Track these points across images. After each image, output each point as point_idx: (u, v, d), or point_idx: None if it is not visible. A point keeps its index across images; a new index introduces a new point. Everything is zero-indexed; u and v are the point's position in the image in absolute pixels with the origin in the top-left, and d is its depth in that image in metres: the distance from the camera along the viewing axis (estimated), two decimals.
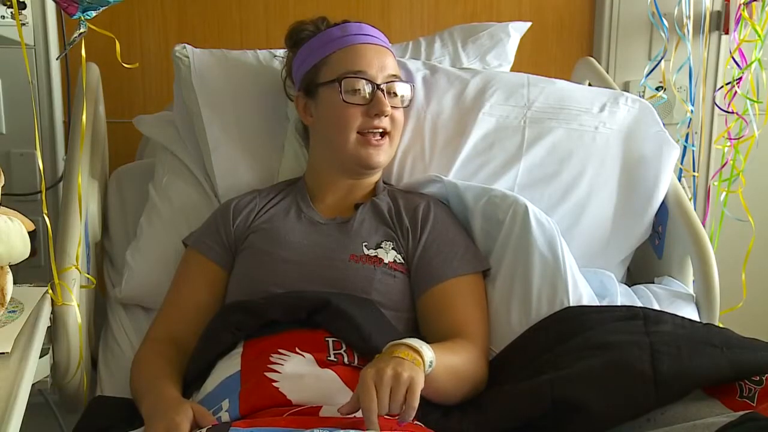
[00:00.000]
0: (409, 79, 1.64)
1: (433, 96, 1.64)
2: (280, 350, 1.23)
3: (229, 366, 1.25)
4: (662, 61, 2.10)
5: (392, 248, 1.42)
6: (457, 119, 1.62)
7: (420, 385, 1.10)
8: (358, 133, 1.45)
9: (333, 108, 1.46)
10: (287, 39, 1.58)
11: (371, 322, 1.27)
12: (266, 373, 1.19)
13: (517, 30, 1.86)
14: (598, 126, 1.64)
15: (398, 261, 1.41)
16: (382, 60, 1.48)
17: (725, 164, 2.19)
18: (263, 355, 1.23)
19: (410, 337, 1.32)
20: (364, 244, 1.41)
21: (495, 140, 1.62)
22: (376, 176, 1.54)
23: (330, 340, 1.25)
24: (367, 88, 1.45)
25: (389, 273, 1.39)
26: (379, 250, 1.42)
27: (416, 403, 1.08)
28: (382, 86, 1.45)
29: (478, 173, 1.60)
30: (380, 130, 1.46)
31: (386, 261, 1.40)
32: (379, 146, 1.46)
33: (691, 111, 2.14)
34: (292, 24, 1.58)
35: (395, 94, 1.49)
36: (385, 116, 1.45)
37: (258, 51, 1.74)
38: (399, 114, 1.50)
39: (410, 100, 1.54)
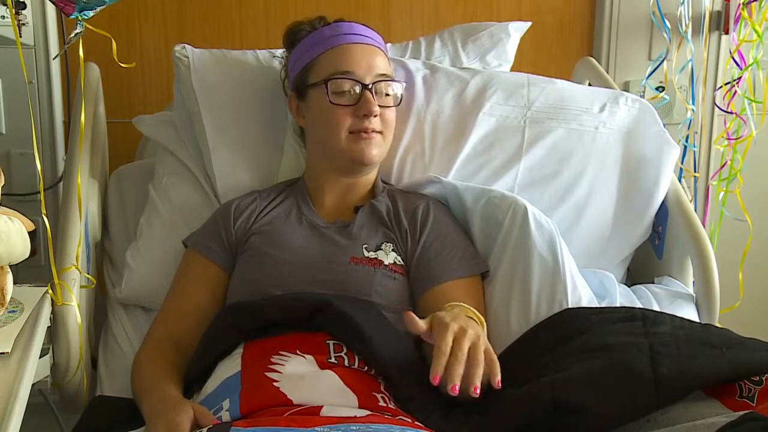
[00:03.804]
0: (408, 78, 1.63)
1: (433, 96, 1.63)
2: (281, 351, 1.23)
3: (230, 366, 1.25)
4: (664, 61, 2.10)
5: (392, 249, 1.42)
6: (457, 119, 1.62)
7: (490, 346, 1.16)
8: (349, 132, 1.44)
9: (322, 110, 1.45)
10: (284, 39, 1.57)
11: (372, 324, 1.27)
12: (267, 373, 1.19)
13: (517, 30, 1.86)
14: (598, 126, 1.64)
15: (398, 263, 1.41)
16: (371, 59, 1.46)
17: (725, 164, 2.20)
18: (264, 356, 1.23)
19: (410, 338, 1.33)
20: (364, 246, 1.41)
21: (495, 140, 1.62)
22: (372, 175, 1.54)
23: (331, 342, 1.25)
24: (356, 89, 1.44)
25: (389, 275, 1.39)
26: (379, 252, 1.41)
27: (496, 357, 1.14)
28: (370, 86, 1.44)
29: (477, 174, 1.60)
30: (370, 130, 1.45)
31: (386, 263, 1.40)
32: (371, 138, 1.45)
33: (693, 111, 2.14)
34: (289, 24, 1.57)
35: (386, 94, 1.48)
36: (374, 116, 1.44)
37: (258, 51, 1.74)
38: (390, 113, 1.48)
39: (401, 99, 1.52)
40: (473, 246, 1.48)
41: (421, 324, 1.16)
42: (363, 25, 1.52)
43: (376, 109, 1.44)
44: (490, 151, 1.61)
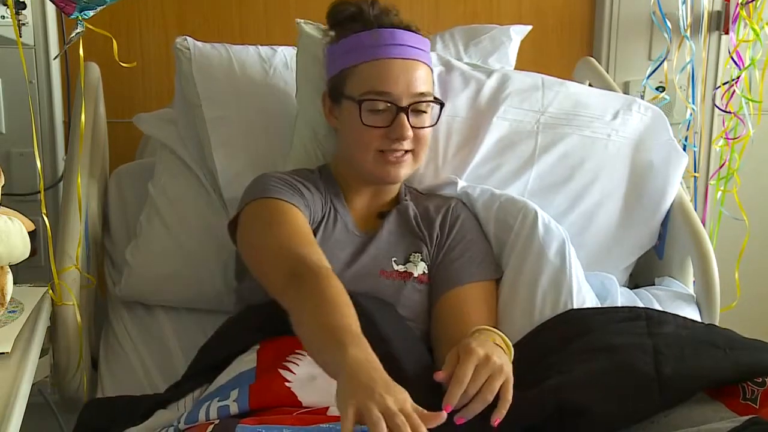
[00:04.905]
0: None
1: (448, 97, 1.58)
2: (296, 351, 1.21)
3: (246, 362, 1.24)
4: (664, 61, 2.09)
5: (420, 259, 1.42)
6: (471, 123, 1.59)
7: (512, 379, 1.14)
8: (378, 151, 1.40)
9: (353, 126, 1.40)
10: (327, 17, 1.49)
11: (391, 325, 1.27)
12: (281, 370, 1.18)
13: (518, 33, 1.85)
14: (610, 134, 1.61)
15: (426, 272, 1.41)
16: (410, 77, 1.39)
17: (723, 164, 2.20)
18: (280, 354, 1.22)
19: (425, 344, 1.32)
20: (393, 259, 1.40)
21: (507, 145, 1.59)
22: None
23: None
24: (391, 109, 1.39)
25: (417, 288, 1.39)
26: (408, 264, 1.41)
27: (510, 396, 1.12)
28: (406, 108, 1.39)
29: (488, 178, 1.58)
30: (401, 152, 1.41)
31: (416, 274, 1.40)
32: (399, 163, 1.41)
33: (693, 110, 2.14)
34: (333, 1, 1.49)
35: (423, 112, 1.42)
36: (405, 140, 1.39)
37: (259, 47, 1.73)
38: (425, 132, 1.43)
39: (439, 117, 1.46)
40: (492, 251, 1.47)
41: (449, 370, 1.13)
42: (407, 29, 1.43)
43: (409, 134, 1.38)
44: (502, 155, 1.58)
